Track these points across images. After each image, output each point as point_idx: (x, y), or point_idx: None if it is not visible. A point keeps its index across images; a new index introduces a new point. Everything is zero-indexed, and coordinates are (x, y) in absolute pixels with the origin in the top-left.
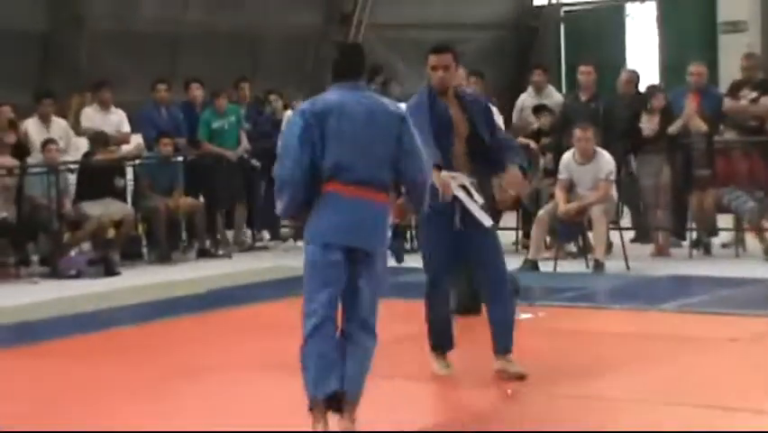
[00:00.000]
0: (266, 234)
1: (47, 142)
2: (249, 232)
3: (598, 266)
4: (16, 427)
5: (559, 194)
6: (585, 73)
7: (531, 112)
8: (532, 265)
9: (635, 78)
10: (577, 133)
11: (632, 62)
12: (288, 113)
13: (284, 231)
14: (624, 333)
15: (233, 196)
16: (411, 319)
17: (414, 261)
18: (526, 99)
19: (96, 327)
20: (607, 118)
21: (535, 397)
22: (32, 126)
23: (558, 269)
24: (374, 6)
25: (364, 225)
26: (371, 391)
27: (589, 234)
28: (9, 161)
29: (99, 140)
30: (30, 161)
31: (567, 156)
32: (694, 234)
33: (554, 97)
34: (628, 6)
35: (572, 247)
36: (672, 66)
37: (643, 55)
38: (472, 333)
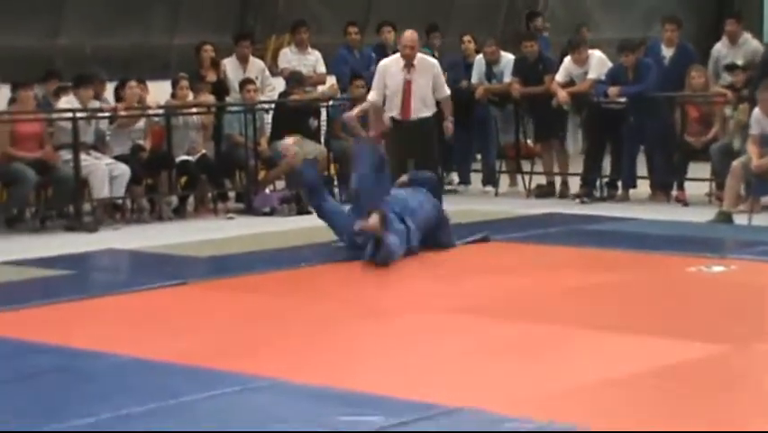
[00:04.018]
0: (455, 178)
1: (245, 83)
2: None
3: None
4: (203, 355)
5: (752, 148)
6: None
7: (724, 68)
8: (726, 217)
9: None
10: (760, 93)
11: None
12: (479, 57)
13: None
14: None
15: None
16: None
17: (603, 209)
18: (721, 49)
19: (287, 264)
20: None
21: (731, 351)
22: (229, 66)
23: (753, 222)
24: None
25: None
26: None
27: None
28: (209, 99)
29: (295, 80)
30: (228, 99)
31: (757, 111)
32: None
33: (751, 46)
34: None
35: None
36: None
37: None
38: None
